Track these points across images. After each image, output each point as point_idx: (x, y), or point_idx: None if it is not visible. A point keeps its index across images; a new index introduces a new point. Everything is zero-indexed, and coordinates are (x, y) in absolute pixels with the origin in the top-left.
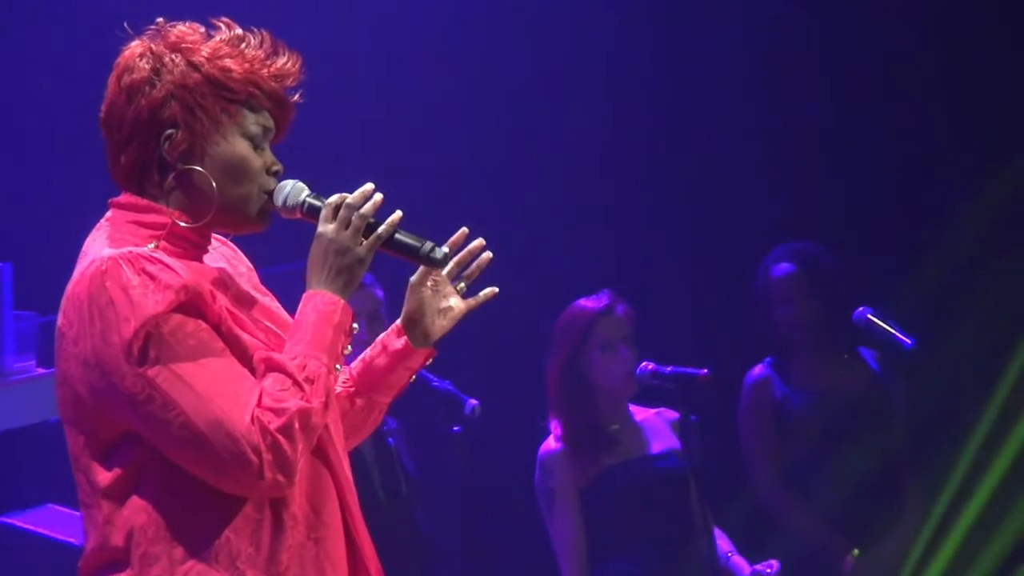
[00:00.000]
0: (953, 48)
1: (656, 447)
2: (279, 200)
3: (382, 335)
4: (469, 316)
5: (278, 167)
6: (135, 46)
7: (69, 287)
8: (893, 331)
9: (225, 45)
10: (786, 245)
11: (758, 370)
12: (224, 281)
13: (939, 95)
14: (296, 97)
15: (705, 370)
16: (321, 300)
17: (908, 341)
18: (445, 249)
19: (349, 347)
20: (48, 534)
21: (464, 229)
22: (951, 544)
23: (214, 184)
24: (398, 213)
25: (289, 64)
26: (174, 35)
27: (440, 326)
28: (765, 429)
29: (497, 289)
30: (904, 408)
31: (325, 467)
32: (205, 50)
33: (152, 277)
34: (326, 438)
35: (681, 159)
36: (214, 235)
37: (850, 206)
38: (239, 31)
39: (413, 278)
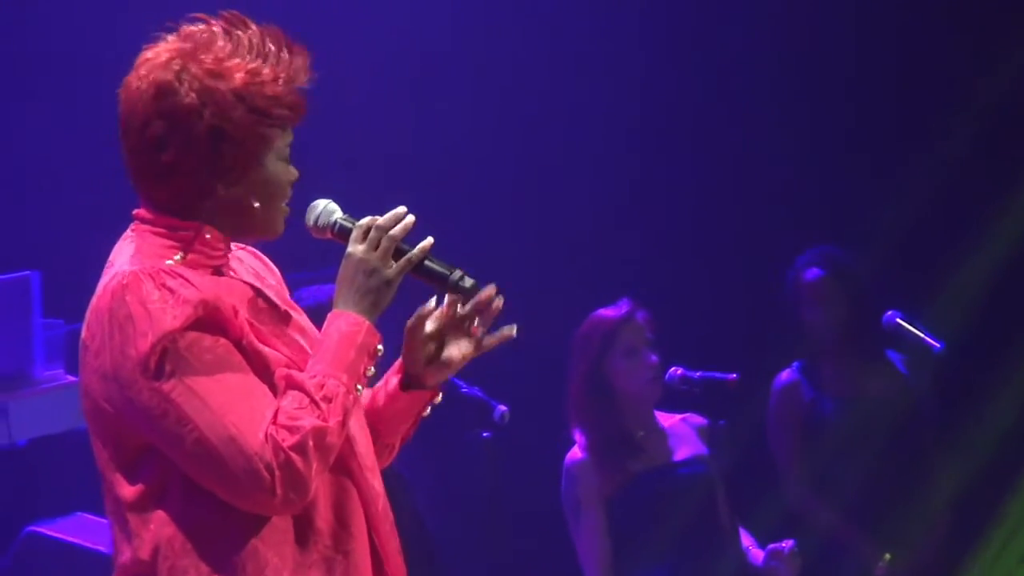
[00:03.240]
0: (987, 47)
1: (682, 453)
2: (311, 220)
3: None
4: (502, 322)
5: (295, 176)
6: (164, 61)
7: (93, 300)
8: (922, 335)
9: (259, 65)
10: (816, 249)
11: (786, 374)
12: (248, 295)
13: (970, 96)
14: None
15: (734, 375)
16: (345, 320)
17: (937, 345)
18: (474, 280)
19: (372, 369)
20: (78, 542)
21: (492, 288)
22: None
23: (256, 205)
24: (429, 239)
25: (303, 61)
26: (210, 56)
27: (436, 372)
28: (794, 433)
29: (515, 331)
30: (934, 412)
31: (349, 480)
32: (240, 74)
33: (172, 291)
34: (348, 451)
35: (707, 163)
36: (246, 248)
37: (877, 209)
38: (255, 34)
39: (409, 321)
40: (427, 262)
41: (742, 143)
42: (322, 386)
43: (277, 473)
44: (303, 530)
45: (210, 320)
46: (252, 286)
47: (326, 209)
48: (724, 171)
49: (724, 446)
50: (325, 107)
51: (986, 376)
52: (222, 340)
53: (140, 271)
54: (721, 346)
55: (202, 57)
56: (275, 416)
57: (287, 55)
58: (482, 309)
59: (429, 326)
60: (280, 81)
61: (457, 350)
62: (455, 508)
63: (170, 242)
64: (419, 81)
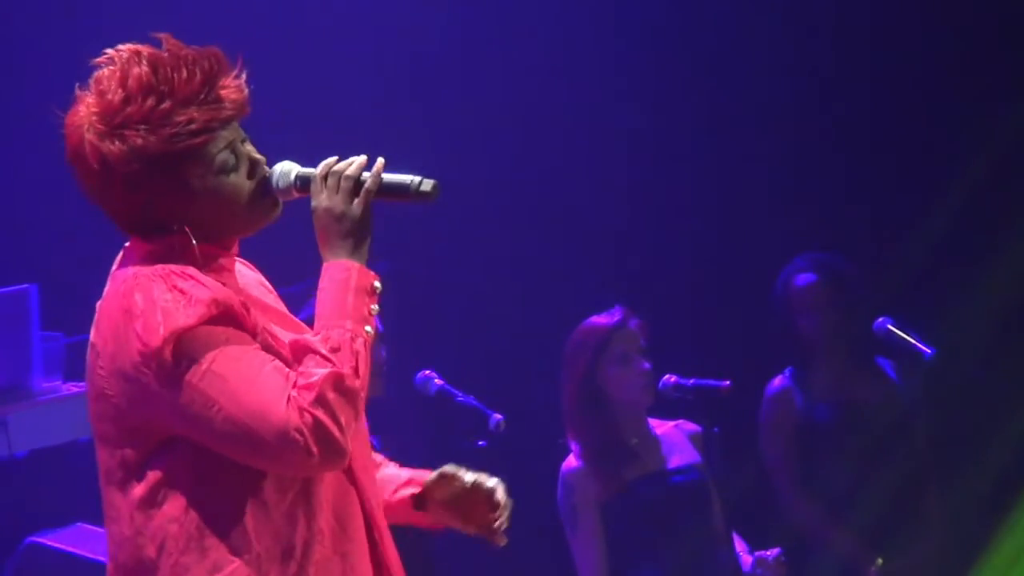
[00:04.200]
0: (982, 49)
1: (675, 461)
2: (272, 186)
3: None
4: (496, 331)
5: (257, 160)
6: (71, 128)
7: (102, 304)
8: (913, 340)
9: (153, 102)
10: (807, 255)
11: (778, 381)
12: (256, 298)
13: (963, 100)
14: (236, 78)
15: (727, 382)
16: (335, 268)
17: (928, 350)
18: (433, 181)
19: (376, 306)
20: (78, 552)
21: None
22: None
23: (210, 222)
24: (380, 161)
25: (208, 69)
26: (104, 116)
27: (442, 516)
28: (787, 440)
29: (505, 542)
30: (923, 417)
31: (349, 481)
32: (142, 126)
33: (183, 292)
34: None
35: (699, 169)
36: (247, 266)
37: (868, 215)
38: (145, 72)
39: (448, 468)
40: (385, 182)
41: (736, 150)
42: (328, 339)
43: (307, 433)
44: (309, 530)
45: (223, 316)
46: (256, 289)
47: (283, 170)
48: (717, 179)
49: (718, 453)
50: (323, 103)
51: (979, 382)
52: (232, 328)
53: (151, 273)
54: (714, 353)
55: (95, 122)
56: (295, 381)
57: (184, 75)
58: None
59: (456, 485)
60: (184, 109)
61: (464, 518)
62: None
63: (161, 254)
64: (417, 81)
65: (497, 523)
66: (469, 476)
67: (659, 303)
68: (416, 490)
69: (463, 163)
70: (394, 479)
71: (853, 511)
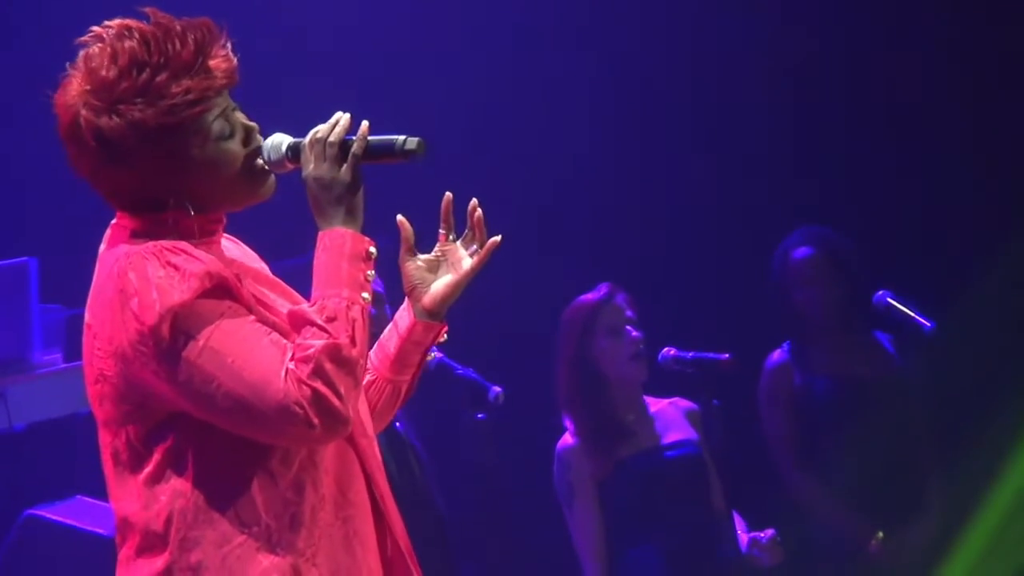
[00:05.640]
0: (974, 32)
1: (670, 437)
2: (264, 160)
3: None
4: (496, 304)
5: (251, 127)
6: (63, 106)
7: (95, 286)
8: (913, 314)
9: (148, 75)
10: (804, 229)
11: (777, 355)
12: (247, 270)
13: (957, 79)
14: (223, 47)
15: (727, 354)
16: (329, 237)
17: (928, 324)
18: (418, 138)
19: (372, 272)
20: (77, 525)
21: (448, 194)
22: (977, 533)
23: (207, 193)
24: (365, 124)
25: (203, 35)
26: (98, 92)
27: (439, 296)
28: (785, 414)
29: (499, 238)
30: (922, 392)
31: (349, 445)
32: (139, 100)
33: (177, 268)
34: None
35: (698, 145)
36: (232, 240)
37: (867, 190)
38: (137, 43)
39: (400, 257)
40: (371, 146)
41: (731, 124)
42: (324, 308)
43: (307, 406)
44: (312, 501)
45: (217, 288)
46: (245, 260)
47: (274, 143)
48: (713, 153)
49: (717, 426)
50: (321, 94)
51: (979, 355)
52: (228, 301)
53: (143, 251)
54: (713, 328)
55: (90, 99)
56: (292, 354)
57: (176, 46)
58: (472, 226)
59: (422, 255)
60: (178, 81)
61: (455, 271)
62: (450, 488)
63: (152, 230)
64: (416, 65)
65: (479, 236)
66: (409, 231)
67: (658, 277)
68: (407, 311)
69: (461, 140)
70: (384, 335)
71: (852, 486)
